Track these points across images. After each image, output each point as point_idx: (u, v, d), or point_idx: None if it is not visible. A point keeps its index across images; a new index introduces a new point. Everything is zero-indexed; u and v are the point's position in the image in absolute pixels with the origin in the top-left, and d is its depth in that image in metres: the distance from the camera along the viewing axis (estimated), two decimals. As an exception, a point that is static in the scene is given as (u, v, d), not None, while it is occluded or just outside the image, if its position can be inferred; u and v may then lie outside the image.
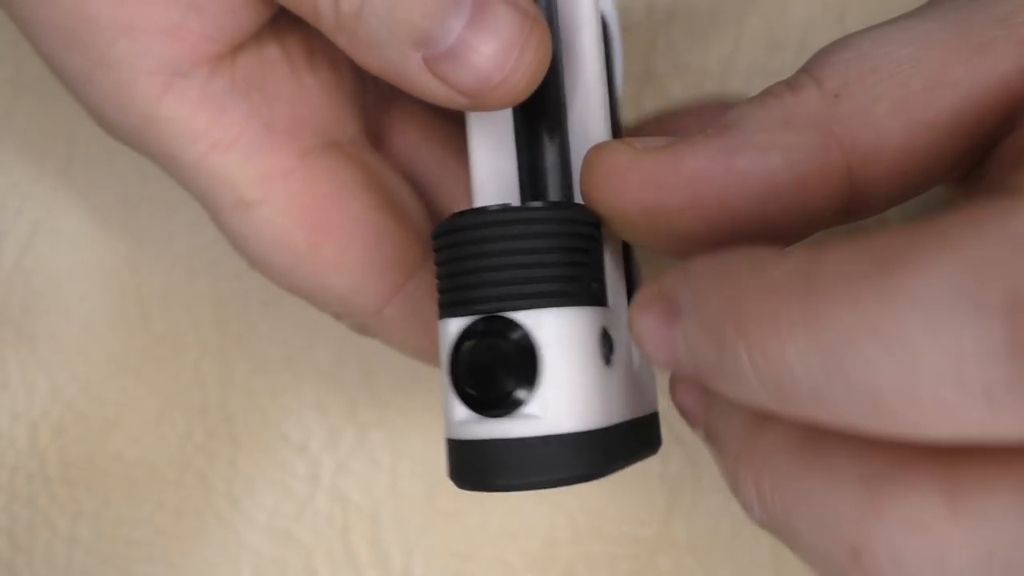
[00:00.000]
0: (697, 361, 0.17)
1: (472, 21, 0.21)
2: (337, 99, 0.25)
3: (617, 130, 0.24)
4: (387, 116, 0.27)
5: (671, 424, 0.31)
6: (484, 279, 0.19)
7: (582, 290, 0.20)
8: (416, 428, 0.31)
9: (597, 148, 0.20)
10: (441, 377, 0.20)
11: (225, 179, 0.24)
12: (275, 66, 0.24)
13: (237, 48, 0.24)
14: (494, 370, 0.20)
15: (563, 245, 0.20)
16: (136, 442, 0.32)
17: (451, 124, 0.28)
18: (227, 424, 0.32)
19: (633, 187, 0.19)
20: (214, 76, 0.23)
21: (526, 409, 0.19)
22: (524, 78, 0.21)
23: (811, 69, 0.20)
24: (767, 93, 0.20)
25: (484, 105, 0.21)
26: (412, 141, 0.28)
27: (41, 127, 0.33)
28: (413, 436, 0.31)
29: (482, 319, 0.20)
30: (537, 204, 0.20)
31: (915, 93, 0.19)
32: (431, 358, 0.26)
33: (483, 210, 0.20)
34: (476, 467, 0.20)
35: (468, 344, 0.20)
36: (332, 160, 0.25)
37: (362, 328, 0.27)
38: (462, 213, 0.20)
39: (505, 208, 0.20)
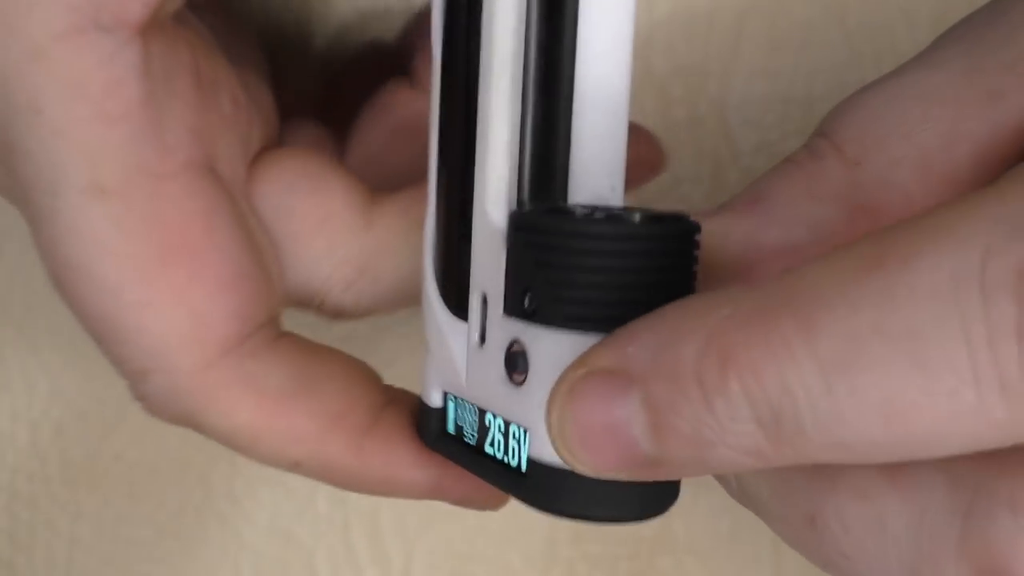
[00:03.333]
0: (666, 430, 0.15)
1: None
2: (234, 132, 0.23)
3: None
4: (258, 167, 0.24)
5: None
6: None
7: None
8: (416, 428, 0.31)
9: None
10: None
11: (91, 154, 0.20)
12: (183, 71, 0.22)
13: (155, 28, 0.21)
14: None
15: None
16: (136, 442, 0.32)
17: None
18: (227, 424, 0.32)
19: None
20: (128, 46, 0.20)
21: None
22: None
23: (828, 133, 0.20)
24: (789, 161, 0.20)
25: None
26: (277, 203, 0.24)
27: (41, 127, 0.33)
28: (413, 436, 0.31)
29: None
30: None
31: (933, 152, 0.19)
32: (253, 443, 0.22)
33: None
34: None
35: None
36: (214, 184, 0.22)
37: (170, 398, 0.22)
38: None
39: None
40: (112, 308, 0.21)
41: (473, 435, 0.20)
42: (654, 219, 0.17)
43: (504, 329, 0.18)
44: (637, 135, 0.24)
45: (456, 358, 0.20)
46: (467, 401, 0.20)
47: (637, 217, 0.17)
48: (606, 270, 0.17)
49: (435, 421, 0.22)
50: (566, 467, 0.17)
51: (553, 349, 0.17)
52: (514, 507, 0.31)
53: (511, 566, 0.31)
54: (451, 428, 0.21)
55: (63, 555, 0.32)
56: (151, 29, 0.20)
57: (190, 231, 0.21)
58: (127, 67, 0.20)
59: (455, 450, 0.21)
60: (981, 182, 0.19)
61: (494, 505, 0.24)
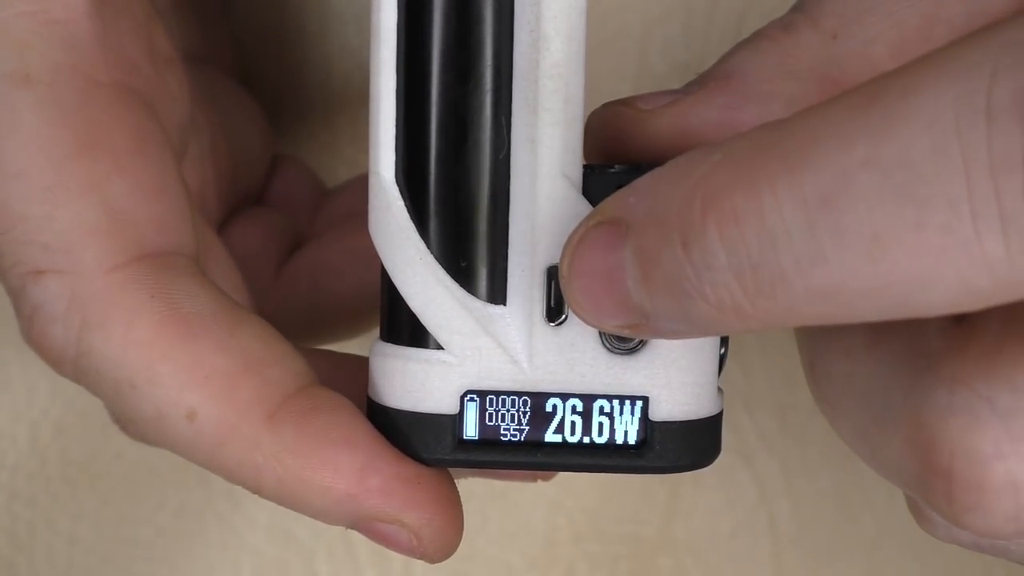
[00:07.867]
0: (651, 279, 0.15)
1: None
2: (173, 113, 0.22)
3: None
4: None
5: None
6: None
7: None
8: (416, 428, 0.31)
9: (605, 107, 0.20)
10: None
11: (22, 44, 0.19)
12: (138, 32, 0.21)
13: None
14: None
15: None
16: (136, 442, 0.32)
17: None
18: (227, 424, 0.32)
19: (636, 150, 0.19)
20: None
21: None
22: None
23: (806, 7, 0.19)
24: (762, 36, 0.19)
25: None
26: None
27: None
28: (413, 436, 0.31)
29: None
30: None
31: (911, 32, 0.19)
32: (146, 376, 0.20)
33: None
34: None
35: None
36: (153, 118, 0.21)
37: (60, 310, 0.20)
38: None
39: None
40: (16, 195, 0.19)
41: (521, 428, 0.20)
42: None
43: None
44: None
45: (511, 345, 0.19)
46: (514, 393, 0.19)
47: None
48: None
49: (447, 430, 0.20)
50: (689, 419, 0.19)
51: None
52: (514, 507, 0.31)
53: (511, 566, 0.31)
54: (471, 432, 0.20)
55: (63, 555, 0.32)
56: None
57: (118, 135, 0.20)
58: None
59: (485, 453, 0.20)
60: None
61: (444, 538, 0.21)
